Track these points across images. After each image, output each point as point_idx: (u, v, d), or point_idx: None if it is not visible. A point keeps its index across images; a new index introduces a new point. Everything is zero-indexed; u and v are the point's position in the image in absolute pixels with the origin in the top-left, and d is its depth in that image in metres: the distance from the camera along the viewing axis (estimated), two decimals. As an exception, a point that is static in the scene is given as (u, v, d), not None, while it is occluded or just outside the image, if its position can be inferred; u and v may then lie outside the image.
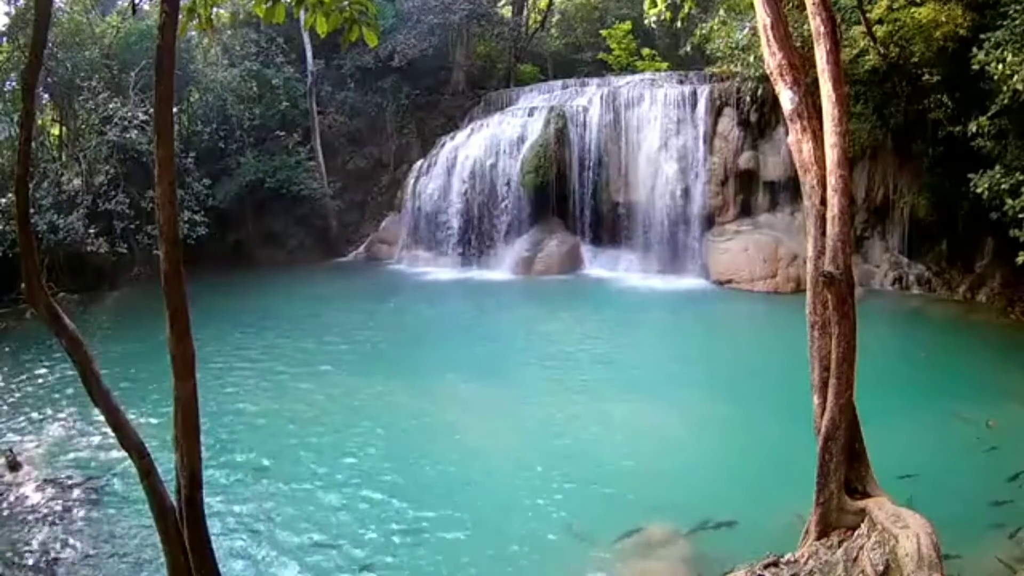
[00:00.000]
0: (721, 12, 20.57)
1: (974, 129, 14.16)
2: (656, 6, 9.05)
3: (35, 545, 7.65)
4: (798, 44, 8.14)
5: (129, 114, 21.51)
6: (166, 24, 4.78)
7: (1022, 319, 16.12)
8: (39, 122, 22.08)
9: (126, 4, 26.07)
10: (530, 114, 24.49)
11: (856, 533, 5.72)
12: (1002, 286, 17.48)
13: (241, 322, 17.28)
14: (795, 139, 6.38)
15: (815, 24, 6.10)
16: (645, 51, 29.98)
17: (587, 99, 24.36)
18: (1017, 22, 13.23)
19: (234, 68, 25.69)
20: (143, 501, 5.89)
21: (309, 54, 27.16)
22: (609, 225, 23.67)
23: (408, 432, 10.64)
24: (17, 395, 12.51)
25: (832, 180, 5.85)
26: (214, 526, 6.51)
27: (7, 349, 15.48)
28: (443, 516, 8.19)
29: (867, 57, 16.72)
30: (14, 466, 9.45)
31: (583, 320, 17.87)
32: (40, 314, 5.11)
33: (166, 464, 5.54)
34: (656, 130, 22.91)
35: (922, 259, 19.48)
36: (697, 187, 22.40)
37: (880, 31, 15.97)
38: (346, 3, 4.67)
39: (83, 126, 22.52)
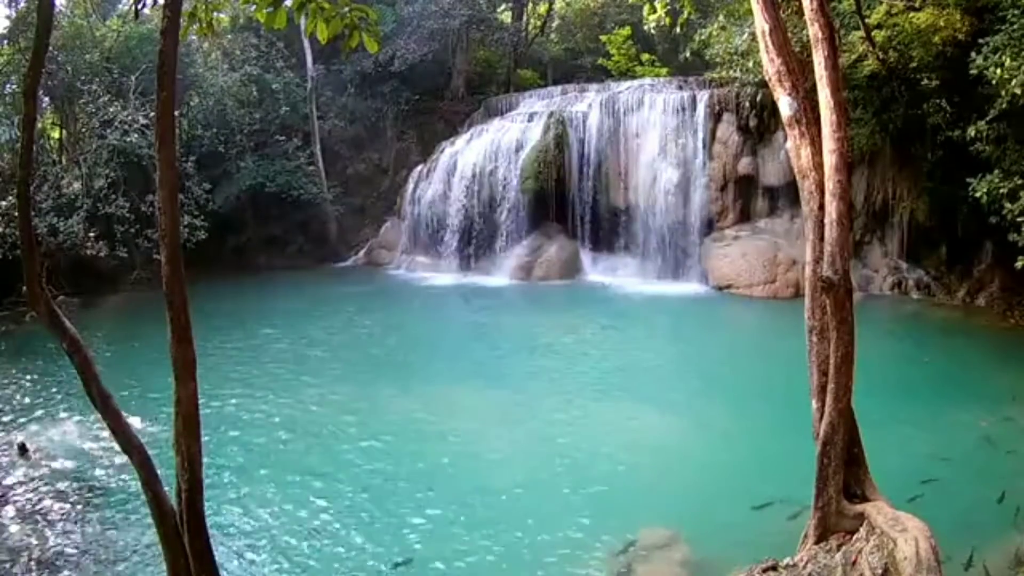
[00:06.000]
0: (720, 18, 20.62)
1: (973, 133, 14.16)
2: (655, 12, 9.09)
3: (35, 547, 7.65)
4: (797, 50, 8.18)
5: (129, 118, 21.53)
6: (168, 29, 4.79)
7: (1021, 323, 16.14)
8: (39, 125, 22.10)
9: (126, 8, 26.16)
10: (530, 119, 24.51)
11: (855, 537, 5.73)
12: (1001, 290, 17.50)
13: (242, 326, 17.28)
14: (794, 144, 6.41)
15: (813, 30, 6.14)
16: (644, 56, 30.03)
17: (587, 104, 24.37)
18: (1015, 27, 13.24)
19: (234, 73, 25.70)
20: (143, 504, 5.91)
21: (309, 59, 27.21)
22: (609, 230, 23.67)
23: (406, 438, 10.63)
24: (17, 398, 12.51)
25: (830, 185, 5.87)
26: (214, 530, 6.52)
27: (7, 352, 15.48)
28: (441, 522, 8.20)
29: (866, 62, 16.76)
30: (24, 451, 9.91)
31: (583, 325, 17.87)
32: (41, 317, 5.11)
33: (167, 467, 5.55)
34: (655, 135, 22.94)
35: (921, 264, 19.50)
36: (696, 192, 22.43)
37: (879, 36, 15.99)
38: (347, 9, 4.68)
39: (83, 129, 22.55)
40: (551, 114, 24.08)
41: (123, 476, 8.91)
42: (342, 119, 28.74)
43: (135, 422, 8.92)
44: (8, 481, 9.20)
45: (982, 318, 16.92)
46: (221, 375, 13.00)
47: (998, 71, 12.88)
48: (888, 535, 5.40)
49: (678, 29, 17.40)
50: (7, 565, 7.30)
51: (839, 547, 5.76)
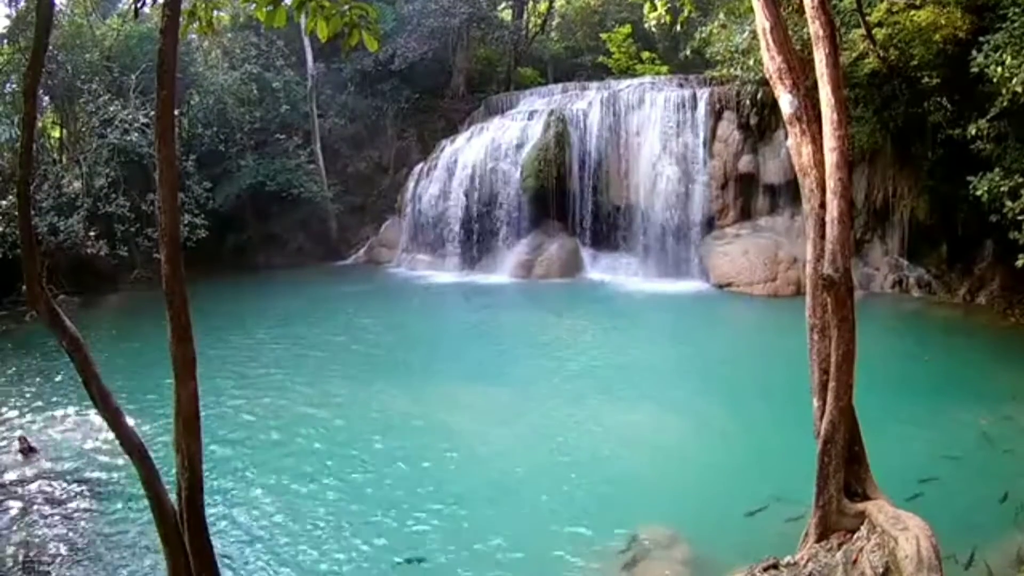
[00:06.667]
0: (721, 16, 20.59)
1: (973, 132, 14.15)
2: (656, 9, 9.06)
3: (36, 545, 7.65)
4: (798, 48, 8.16)
5: (130, 117, 21.53)
6: (168, 27, 4.80)
7: (1022, 322, 16.13)
8: (39, 124, 22.09)
9: (126, 7, 26.15)
10: (530, 117, 24.50)
11: (855, 536, 5.73)
12: (1002, 288, 17.48)
13: (241, 325, 17.28)
14: (794, 143, 6.40)
15: (814, 28, 6.13)
16: (645, 54, 30.02)
17: (587, 103, 24.36)
18: (1016, 25, 13.23)
19: (234, 71, 25.70)
20: (144, 503, 5.91)
21: (309, 57, 27.20)
22: (609, 228, 23.66)
23: (405, 437, 10.62)
24: (18, 397, 12.52)
25: (831, 183, 5.87)
26: (215, 529, 6.52)
27: (8, 351, 15.48)
28: (441, 521, 8.20)
29: (866, 60, 16.74)
30: (27, 451, 9.88)
31: (583, 324, 17.88)
32: (41, 316, 5.12)
33: (167, 466, 5.55)
34: (656, 133, 22.92)
35: (922, 262, 19.48)
36: (697, 190, 22.41)
37: (879, 34, 15.97)
38: (346, 8, 4.68)
39: (84, 129, 22.55)
40: (551, 112, 24.08)
41: (123, 475, 8.90)
42: (342, 117, 28.75)
43: (135, 421, 8.92)
44: (9, 479, 9.21)
45: (983, 316, 16.91)
46: (221, 375, 12.99)
47: (999, 69, 12.87)
48: (889, 534, 5.40)
49: (678, 27, 17.40)
50: (8, 563, 7.30)
51: (840, 546, 5.76)
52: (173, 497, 5.08)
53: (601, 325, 17.81)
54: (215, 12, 6.31)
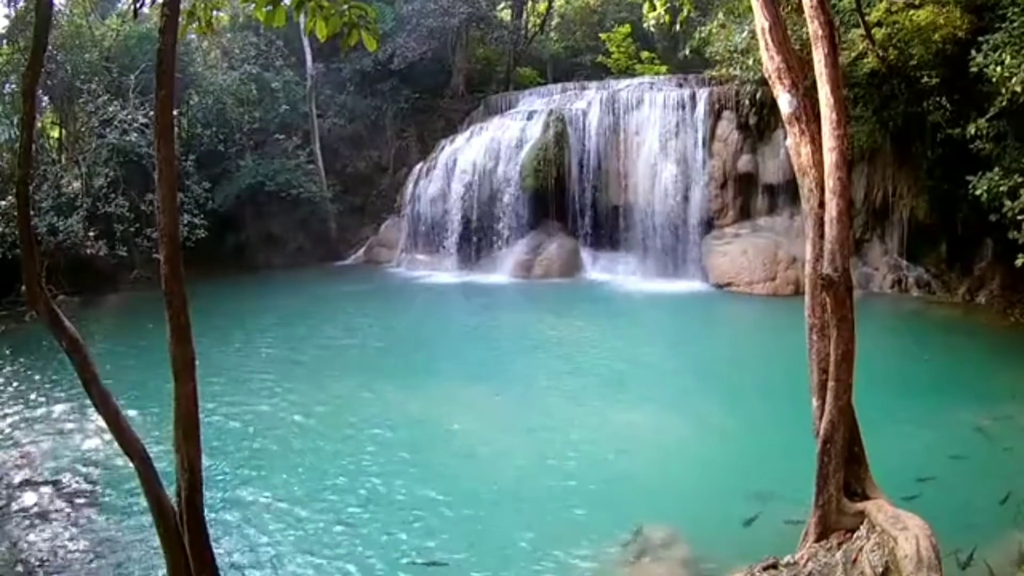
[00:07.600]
0: (720, 15, 20.60)
1: (973, 131, 14.16)
2: (655, 9, 9.05)
3: (35, 547, 7.64)
4: (797, 47, 8.16)
5: (129, 117, 21.52)
6: (167, 27, 4.80)
7: (1021, 321, 16.13)
8: (39, 125, 22.07)
9: (126, 7, 26.15)
10: (529, 117, 24.49)
11: (855, 535, 5.73)
12: (1001, 288, 17.49)
13: (241, 326, 17.28)
14: (793, 142, 6.40)
15: (813, 27, 6.12)
16: (644, 54, 30.02)
17: (586, 102, 24.37)
18: (1015, 24, 13.25)
19: (234, 71, 25.70)
20: (143, 502, 5.91)
21: (308, 57, 27.21)
22: (609, 228, 23.68)
23: (406, 438, 10.62)
24: (17, 397, 12.50)
25: (830, 183, 5.86)
26: (216, 533, 6.52)
27: (7, 351, 15.46)
28: (445, 522, 8.19)
29: (866, 60, 16.74)
30: (26, 455, 9.82)
31: (583, 324, 17.88)
32: (40, 316, 5.12)
33: (166, 466, 5.55)
34: (655, 133, 22.92)
35: (921, 261, 19.48)
36: (696, 190, 22.41)
37: (879, 34, 15.98)
38: (345, 7, 4.68)
39: (83, 129, 22.54)
40: (551, 112, 24.09)
41: (123, 476, 8.88)
42: (342, 117, 28.74)
43: (134, 422, 8.91)
44: (8, 481, 9.19)
45: (982, 316, 16.91)
46: (220, 375, 12.97)
47: (998, 69, 12.89)
48: (889, 533, 5.39)
49: (678, 27, 17.42)
50: (8, 566, 7.29)
51: (840, 545, 5.76)
52: (173, 498, 5.08)
53: (600, 325, 17.81)
54: (214, 12, 6.31)
